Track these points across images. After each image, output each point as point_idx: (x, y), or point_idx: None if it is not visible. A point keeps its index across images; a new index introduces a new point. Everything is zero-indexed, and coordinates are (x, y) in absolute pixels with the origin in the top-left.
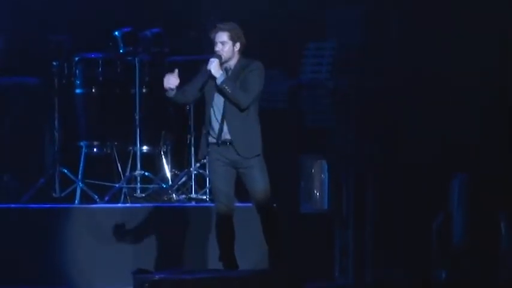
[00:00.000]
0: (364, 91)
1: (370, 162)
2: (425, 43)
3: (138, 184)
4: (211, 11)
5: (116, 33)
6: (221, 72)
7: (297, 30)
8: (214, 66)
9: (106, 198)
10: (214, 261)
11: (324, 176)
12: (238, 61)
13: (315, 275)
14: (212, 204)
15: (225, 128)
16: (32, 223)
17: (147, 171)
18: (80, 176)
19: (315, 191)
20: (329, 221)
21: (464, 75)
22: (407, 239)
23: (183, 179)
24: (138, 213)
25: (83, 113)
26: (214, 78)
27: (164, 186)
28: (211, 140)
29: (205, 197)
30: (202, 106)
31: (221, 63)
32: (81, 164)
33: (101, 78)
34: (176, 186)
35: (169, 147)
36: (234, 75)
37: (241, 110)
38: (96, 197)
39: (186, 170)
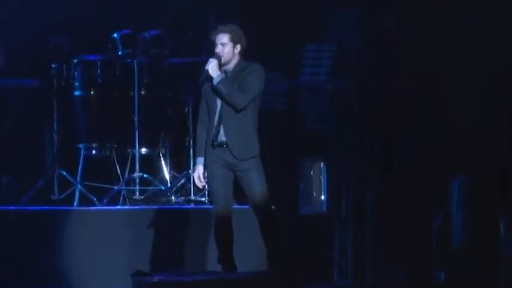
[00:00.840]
0: (363, 92)
1: (370, 163)
2: (425, 43)
3: (137, 186)
4: (211, 12)
5: (115, 35)
6: (219, 72)
7: (297, 32)
8: (212, 66)
9: (105, 201)
10: (213, 264)
11: (323, 177)
12: (238, 63)
13: (314, 276)
14: (211, 206)
15: (221, 129)
16: (31, 225)
17: (146, 173)
18: (78, 178)
19: (314, 193)
20: (328, 223)
21: (464, 75)
22: (407, 239)
23: (182, 181)
24: (137, 215)
25: (81, 115)
26: (211, 78)
27: (163, 188)
28: (208, 142)
29: (204, 199)
30: None
31: (221, 65)
32: (80, 166)
33: (99, 80)
34: (175, 188)
35: (168, 149)
36: (232, 77)
37: (238, 111)
38: (95, 199)
39: (185, 172)
